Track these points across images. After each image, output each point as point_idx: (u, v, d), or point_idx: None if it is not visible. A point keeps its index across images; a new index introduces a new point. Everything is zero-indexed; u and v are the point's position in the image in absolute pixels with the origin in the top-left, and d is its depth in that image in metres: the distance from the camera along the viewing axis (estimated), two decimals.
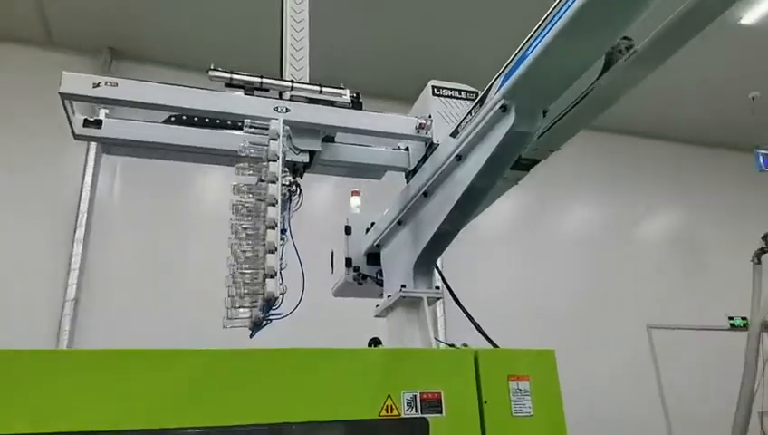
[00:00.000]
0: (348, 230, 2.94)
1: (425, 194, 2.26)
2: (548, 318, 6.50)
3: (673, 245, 8.04)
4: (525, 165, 2.01)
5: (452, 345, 2.30)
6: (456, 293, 2.46)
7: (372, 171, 2.68)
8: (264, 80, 2.27)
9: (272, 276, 1.72)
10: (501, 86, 1.69)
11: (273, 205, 1.80)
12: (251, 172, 1.92)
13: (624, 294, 7.30)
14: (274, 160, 1.86)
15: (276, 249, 1.75)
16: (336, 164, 2.47)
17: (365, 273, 2.83)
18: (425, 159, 2.30)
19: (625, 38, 1.61)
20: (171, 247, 5.75)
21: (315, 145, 2.29)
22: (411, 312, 2.38)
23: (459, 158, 1.96)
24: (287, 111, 2.17)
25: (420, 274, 2.38)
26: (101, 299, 5.34)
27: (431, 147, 2.29)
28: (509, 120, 1.67)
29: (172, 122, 2.29)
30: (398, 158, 2.57)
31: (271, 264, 1.72)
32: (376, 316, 2.61)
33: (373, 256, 2.82)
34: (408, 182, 2.44)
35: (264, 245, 1.77)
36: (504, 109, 1.68)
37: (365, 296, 3.03)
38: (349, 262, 2.86)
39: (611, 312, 7.09)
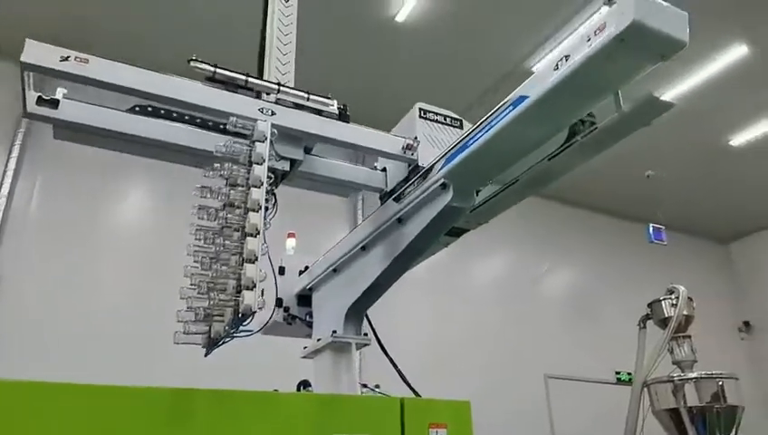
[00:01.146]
0: (281, 271, 3.05)
1: (363, 248, 2.44)
2: (455, 366, 6.78)
3: (572, 302, 8.67)
4: (456, 232, 2.24)
5: (376, 387, 2.48)
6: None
7: (347, 189, 2.57)
8: (250, 79, 2.13)
9: (250, 288, 1.58)
10: (443, 166, 1.93)
11: (256, 211, 1.67)
12: (222, 175, 1.76)
13: (526, 345, 7.77)
14: (260, 163, 1.74)
15: (257, 259, 1.62)
16: (311, 177, 2.33)
17: (295, 314, 2.93)
18: (406, 180, 2.23)
19: (590, 115, 1.70)
20: (86, 261, 5.58)
21: (298, 154, 2.17)
22: (339, 356, 2.51)
23: (400, 220, 2.17)
24: (272, 114, 2.04)
25: (351, 320, 2.53)
26: (14, 312, 5.09)
27: (415, 169, 2.21)
28: (447, 197, 1.91)
29: (136, 112, 2.05)
30: (375, 178, 2.47)
31: (251, 274, 1.59)
32: (303, 357, 2.74)
33: (304, 298, 2.94)
34: (381, 203, 2.37)
35: (237, 254, 1.64)
36: (444, 186, 1.92)
37: (292, 336, 3.15)
38: (280, 302, 2.96)
39: (514, 361, 7.51)
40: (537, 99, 1.54)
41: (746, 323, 9.92)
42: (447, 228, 2.09)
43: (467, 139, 1.82)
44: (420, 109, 2.36)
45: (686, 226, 9.75)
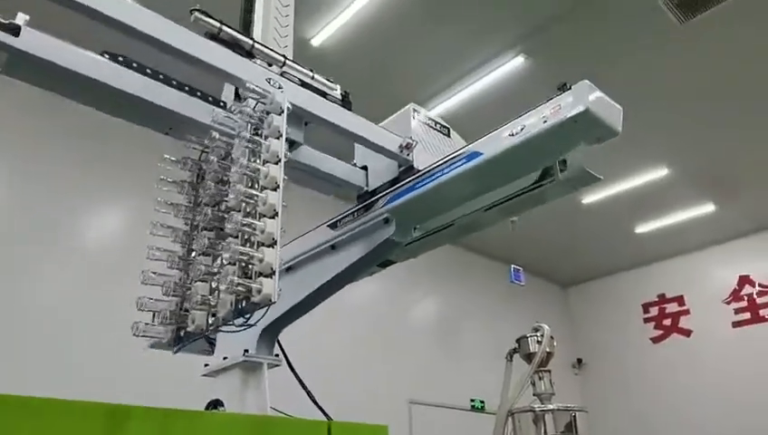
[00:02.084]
0: None
1: (287, 269, 2.48)
2: (326, 386, 6.81)
3: (438, 331, 9.19)
4: (384, 264, 2.38)
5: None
6: None
7: (328, 183, 2.40)
8: (257, 45, 1.97)
9: (268, 275, 1.43)
10: (388, 202, 2.07)
11: (276, 189, 1.52)
12: (217, 147, 1.60)
13: (392, 370, 8.05)
14: (277, 138, 1.59)
15: (276, 242, 1.47)
16: (295, 165, 2.12)
17: None
18: (395, 181, 2.16)
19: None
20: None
21: (299, 136, 2.03)
22: (249, 376, 2.50)
23: (333, 247, 2.25)
24: (279, 87, 1.87)
25: (265, 341, 2.53)
26: None
27: (408, 171, 2.14)
28: (389, 231, 2.04)
29: (107, 59, 1.73)
30: (355, 175, 2.36)
31: (270, 260, 1.43)
32: (204, 375, 2.67)
33: None
34: (359, 203, 2.26)
35: (238, 237, 1.48)
36: (387, 221, 2.06)
37: (184, 352, 3.05)
38: None
39: (377, 386, 7.74)
40: (491, 157, 1.74)
41: (579, 360, 11.21)
42: (381, 260, 2.22)
43: (417, 180, 1.98)
44: (414, 109, 2.31)
45: (537, 269, 10.85)
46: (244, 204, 1.51)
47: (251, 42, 1.95)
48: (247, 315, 1.47)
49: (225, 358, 2.55)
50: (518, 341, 4.70)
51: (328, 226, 2.32)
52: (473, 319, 9.66)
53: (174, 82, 1.84)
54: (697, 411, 9.48)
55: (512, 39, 5.68)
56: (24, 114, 5.57)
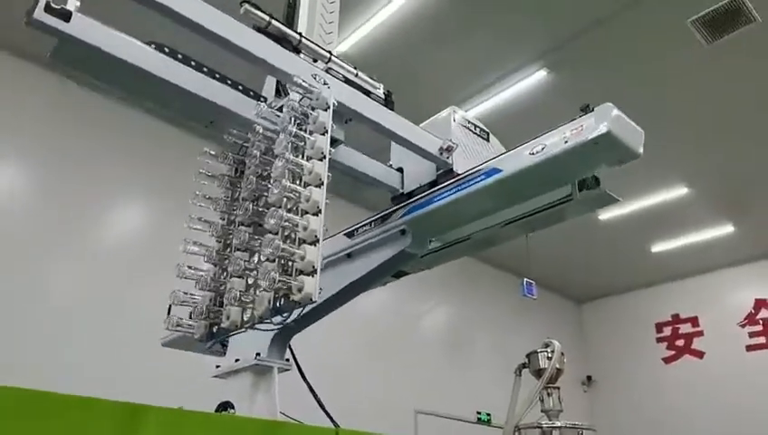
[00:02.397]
0: None
1: None
2: (337, 392, 6.81)
3: (447, 342, 9.15)
4: (398, 275, 2.39)
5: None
6: None
7: (360, 184, 2.38)
8: (304, 40, 1.94)
9: (309, 274, 1.40)
10: (405, 214, 2.08)
11: (320, 186, 1.49)
12: (258, 143, 1.57)
13: (398, 379, 8.02)
14: (322, 134, 1.56)
15: (318, 240, 1.44)
16: (333, 164, 2.05)
17: None
18: (433, 184, 2.10)
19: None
20: None
21: (340, 134, 1.99)
22: (260, 380, 2.52)
23: (350, 256, 2.27)
24: (325, 83, 1.83)
25: (277, 345, 2.55)
26: None
27: (447, 174, 2.09)
28: (404, 242, 2.06)
29: (153, 49, 1.71)
30: (390, 176, 2.33)
31: (311, 258, 1.40)
32: (215, 376, 2.69)
33: None
34: (393, 205, 2.22)
35: (273, 235, 1.45)
36: (403, 232, 2.07)
37: (195, 352, 3.08)
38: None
39: (385, 394, 7.73)
40: (510, 174, 1.75)
41: (589, 378, 11.09)
42: (395, 270, 2.23)
43: (435, 194, 1.99)
44: (454, 111, 2.27)
45: (551, 284, 10.77)
46: (285, 200, 1.48)
47: (298, 36, 1.93)
48: (285, 314, 1.47)
49: (236, 360, 2.58)
50: (528, 356, 4.68)
51: (344, 234, 2.34)
52: (482, 331, 9.62)
53: (217, 76, 1.82)
54: None
55: (536, 53, 5.67)
56: (52, 111, 5.68)
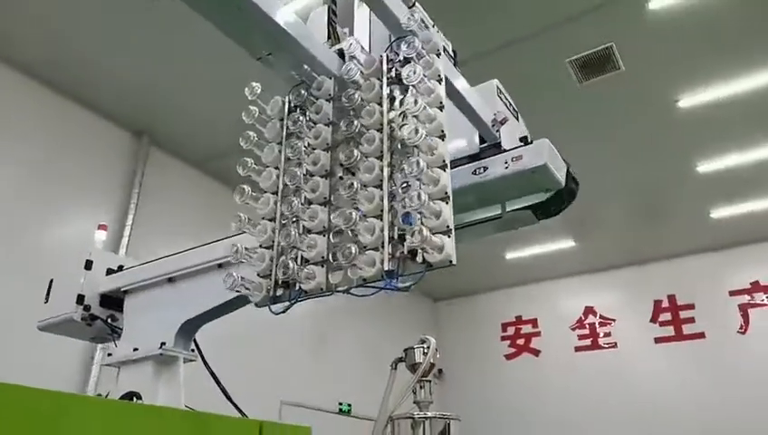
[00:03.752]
0: (88, 265, 2.81)
1: (219, 265, 2.45)
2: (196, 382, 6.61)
3: (312, 335, 9.21)
4: None
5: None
6: None
7: None
8: None
9: (446, 233, 1.29)
10: None
11: (443, 138, 1.36)
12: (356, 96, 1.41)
13: (265, 371, 7.96)
14: (438, 81, 1.43)
15: (450, 198, 1.34)
16: None
17: (96, 314, 2.73)
18: (474, 157, 1.95)
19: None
20: None
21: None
22: (162, 370, 2.45)
23: None
24: (427, 27, 1.66)
25: (182, 335, 2.49)
26: None
27: (492, 147, 1.96)
28: None
29: None
30: None
31: (447, 216, 1.30)
32: (107, 365, 2.55)
33: (107, 299, 2.76)
34: None
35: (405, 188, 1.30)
36: None
37: (74, 337, 2.90)
38: (81, 299, 2.71)
39: (250, 385, 7.62)
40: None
41: (440, 371, 11.89)
42: None
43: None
44: (498, 87, 2.16)
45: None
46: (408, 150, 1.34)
47: None
48: (404, 276, 1.29)
49: (135, 349, 2.46)
50: (405, 351, 4.94)
51: None
52: (346, 325, 9.84)
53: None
54: (541, 427, 10.51)
55: None
56: None
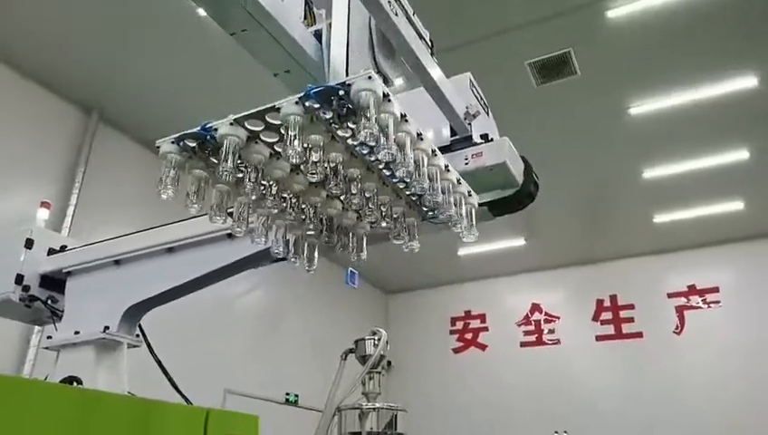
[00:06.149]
0: (29, 244, 2.69)
1: (169, 250, 2.39)
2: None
3: (259, 324, 9.12)
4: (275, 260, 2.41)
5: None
6: None
7: None
8: None
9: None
10: None
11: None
12: None
13: (209, 359, 7.82)
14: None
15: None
16: None
17: (36, 295, 2.62)
18: (445, 150, 1.91)
19: None
20: None
21: (393, 74, 1.78)
22: (105, 355, 2.37)
23: (231, 236, 2.24)
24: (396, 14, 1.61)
25: (128, 320, 2.42)
26: None
27: (463, 141, 1.95)
28: None
29: None
30: None
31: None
32: (46, 348, 2.45)
33: (48, 280, 2.66)
34: None
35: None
36: None
37: (12, 318, 2.79)
38: (20, 279, 2.60)
39: (194, 373, 7.47)
40: None
41: (389, 363, 11.98)
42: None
43: None
44: (471, 80, 2.15)
45: (363, 274, 11.34)
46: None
47: None
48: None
49: (76, 332, 2.38)
50: (356, 342, 4.96)
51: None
52: (295, 315, 9.78)
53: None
54: (486, 420, 10.75)
55: None
56: None
